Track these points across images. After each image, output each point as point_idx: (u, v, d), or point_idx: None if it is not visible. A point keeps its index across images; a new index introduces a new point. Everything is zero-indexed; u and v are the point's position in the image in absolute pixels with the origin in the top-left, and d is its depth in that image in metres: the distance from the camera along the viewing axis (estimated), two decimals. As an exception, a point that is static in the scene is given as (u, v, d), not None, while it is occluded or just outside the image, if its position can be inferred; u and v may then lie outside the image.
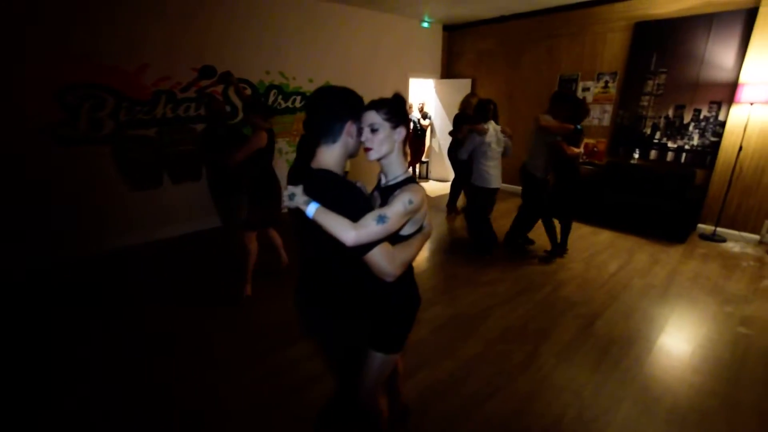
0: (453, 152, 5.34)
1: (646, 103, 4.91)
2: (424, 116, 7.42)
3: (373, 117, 1.23)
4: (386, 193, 1.28)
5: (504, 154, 3.80)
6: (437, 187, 7.08)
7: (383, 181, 1.35)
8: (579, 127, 3.58)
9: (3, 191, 3.40)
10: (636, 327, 2.75)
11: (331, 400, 1.60)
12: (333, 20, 5.36)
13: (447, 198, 5.68)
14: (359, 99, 1.28)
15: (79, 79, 3.60)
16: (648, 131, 4.95)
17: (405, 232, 1.28)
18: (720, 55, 4.27)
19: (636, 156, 5.10)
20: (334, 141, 1.23)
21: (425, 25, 6.60)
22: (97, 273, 3.57)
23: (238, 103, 4.68)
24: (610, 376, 2.26)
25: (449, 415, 2.00)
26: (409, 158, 5.87)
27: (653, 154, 4.95)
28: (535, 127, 3.70)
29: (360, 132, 1.27)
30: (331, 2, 5.24)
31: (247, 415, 1.99)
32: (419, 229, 1.31)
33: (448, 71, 7.28)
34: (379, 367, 1.42)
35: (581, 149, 3.71)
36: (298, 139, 5.38)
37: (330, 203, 1.13)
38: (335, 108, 1.22)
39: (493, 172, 3.72)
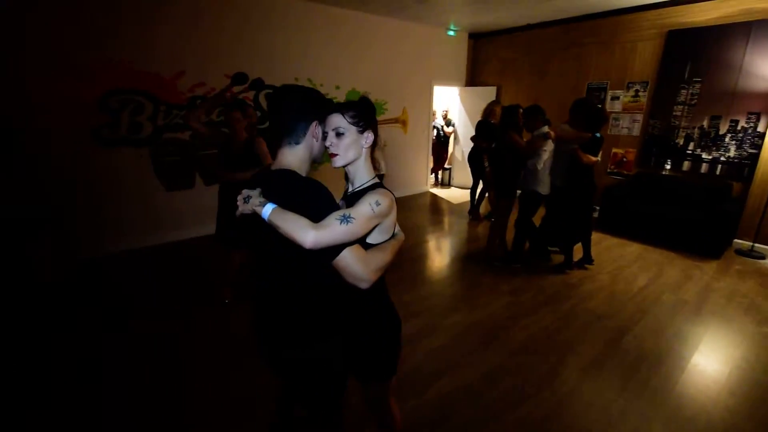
0: (474, 159, 5.31)
1: (679, 113, 4.76)
2: (448, 123, 7.42)
3: (338, 120, 1.14)
4: (352, 200, 1.17)
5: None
6: (460, 193, 7.04)
7: (350, 188, 1.26)
8: (598, 135, 3.52)
9: (47, 190, 3.59)
10: (667, 344, 2.65)
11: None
12: (361, 29, 5.46)
13: (469, 205, 5.65)
14: (325, 100, 1.19)
15: (121, 85, 3.81)
16: (681, 141, 4.78)
17: (376, 240, 1.18)
18: (759, 65, 4.11)
19: (668, 167, 4.94)
20: (297, 142, 1.14)
21: (451, 33, 6.62)
22: (132, 269, 3.72)
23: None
24: (639, 394, 2.18)
25: (469, 424, 1.97)
26: (431, 164, 5.84)
27: (686, 165, 4.78)
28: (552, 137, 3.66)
29: (325, 136, 1.17)
30: (359, 11, 5.34)
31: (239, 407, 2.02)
32: (391, 237, 1.23)
33: (472, 79, 7.27)
34: (381, 395, 1.37)
35: (599, 158, 3.61)
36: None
37: (292, 205, 1.02)
38: (299, 107, 1.13)
39: (548, 179, 3.68)
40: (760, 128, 4.16)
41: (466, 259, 4.11)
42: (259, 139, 2.83)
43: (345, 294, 1.18)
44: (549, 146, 3.51)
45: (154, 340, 2.63)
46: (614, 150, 5.43)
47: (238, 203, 1.07)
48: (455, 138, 7.40)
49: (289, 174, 1.11)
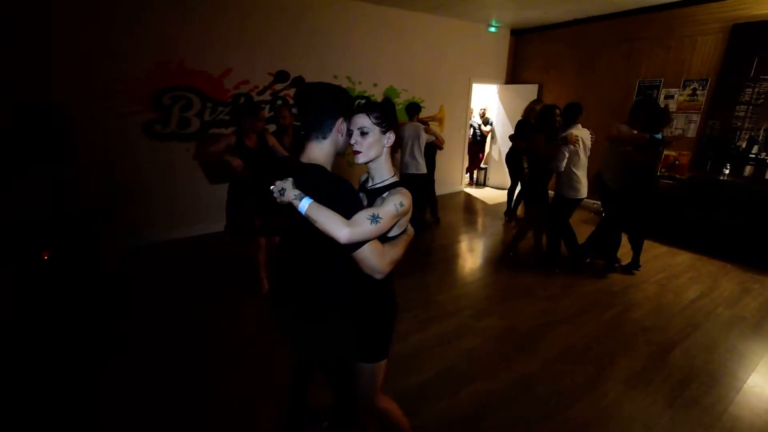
0: (511, 159, 5.17)
1: (742, 114, 4.39)
2: (485, 122, 7.26)
3: (363, 120, 1.22)
4: (374, 194, 1.28)
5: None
6: (495, 194, 6.88)
7: (370, 183, 1.34)
8: (659, 136, 3.32)
9: (99, 180, 3.86)
10: (721, 362, 2.46)
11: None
12: (400, 26, 5.44)
13: (505, 206, 5.52)
14: (351, 98, 1.28)
15: (174, 83, 4.02)
16: (743, 144, 4.42)
17: (391, 234, 1.28)
18: (841, 60, 3.71)
19: (726, 171, 4.57)
20: (324, 137, 1.22)
21: (492, 29, 6.46)
22: (175, 257, 3.93)
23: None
24: (687, 413, 2.04)
25: (501, 428, 1.93)
26: (466, 164, 5.80)
27: (748, 170, 4.40)
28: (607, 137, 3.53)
29: (350, 134, 1.25)
30: (399, 8, 5.32)
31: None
32: (403, 232, 1.32)
33: (513, 76, 7.06)
34: (369, 377, 1.41)
35: (658, 159, 3.41)
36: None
37: (323, 199, 1.11)
38: (328, 103, 1.21)
39: (583, 181, 3.55)
40: (839, 131, 3.77)
41: (501, 262, 4.01)
42: (268, 135, 2.94)
43: (358, 278, 1.27)
44: (569, 149, 3.40)
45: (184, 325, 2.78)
46: (666, 152, 5.09)
47: (274, 193, 1.15)
48: (492, 137, 7.23)
49: (319, 169, 1.20)
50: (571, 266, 3.86)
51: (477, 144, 7.30)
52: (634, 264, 3.74)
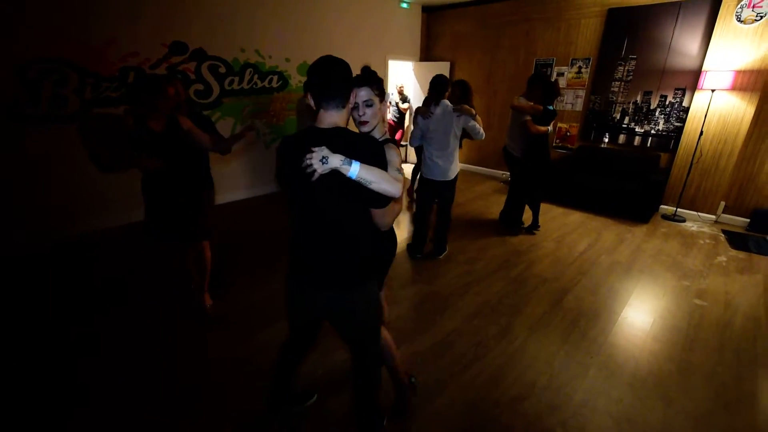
0: None
1: (616, 89, 5.07)
2: (404, 99, 7.38)
3: (368, 93, 1.38)
4: None
5: (470, 137, 3.30)
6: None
7: None
8: (551, 108, 3.72)
9: None
10: (602, 301, 2.92)
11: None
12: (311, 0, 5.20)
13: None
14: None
15: (41, 54, 3.36)
16: (617, 116, 5.13)
17: None
18: (686, 43, 4.45)
19: (606, 140, 5.29)
20: (343, 106, 1.26)
21: (404, 5, 6.50)
22: (65, 258, 3.43)
23: (213, 82, 4.52)
24: (578, 346, 2.40)
25: (430, 384, 2.08)
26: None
27: (622, 138, 5.15)
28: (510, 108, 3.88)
29: (356, 106, 1.38)
30: (308, -22, 5.07)
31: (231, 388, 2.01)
32: None
33: (427, 54, 7.24)
34: (380, 306, 1.54)
35: (550, 128, 3.82)
36: (276, 119, 5.31)
37: (361, 157, 1.15)
38: (348, 75, 1.27)
39: (439, 162, 3.19)
40: (685, 103, 4.56)
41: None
42: (182, 117, 2.33)
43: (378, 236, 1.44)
44: (419, 125, 3.18)
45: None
46: (559, 125, 5.71)
47: (312, 165, 1.10)
48: (411, 114, 7.40)
49: (347, 131, 1.24)
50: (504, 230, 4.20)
51: (397, 122, 7.42)
52: (534, 225, 4.23)
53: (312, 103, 1.27)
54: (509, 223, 4.28)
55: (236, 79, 4.73)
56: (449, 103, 3.12)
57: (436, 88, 3.08)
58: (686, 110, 4.56)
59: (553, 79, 5.58)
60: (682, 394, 2.04)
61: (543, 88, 3.73)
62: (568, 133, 5.67)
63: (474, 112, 3.12)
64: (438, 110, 3.10)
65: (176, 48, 4.16)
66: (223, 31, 4.46)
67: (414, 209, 3.66)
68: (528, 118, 3.74)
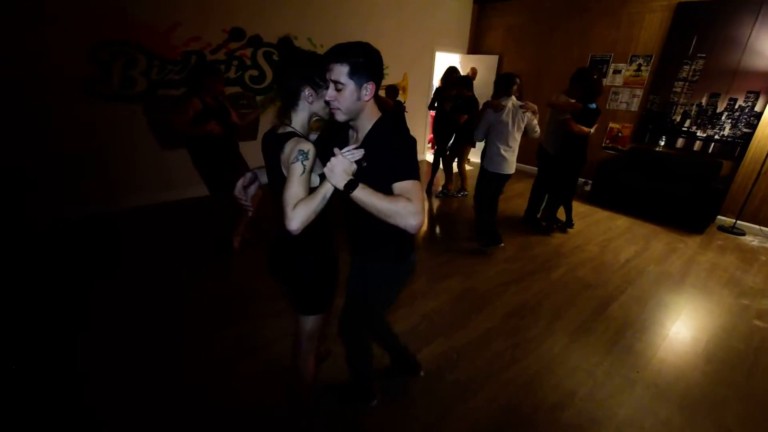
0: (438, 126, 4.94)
1: (679, 90, 4.73)
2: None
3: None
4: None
5: (525, 134, 3.30)
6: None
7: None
8: (593, 106, 3.52)
9: (34, 141, 3.39)
10: (650, 313, 2.76)
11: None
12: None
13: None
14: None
15: (112, 36, 3.51)
16: (677, 118, 4.79)
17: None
18: (765, 43, 4.06)
19: (662, 143, 4.97)
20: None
21: (455, -5, 6.32)
22: (121, 229, 3.63)
23: (267, 68, 4.60)
24: (623, 359, 2.28)
25: (463, 383, 2.04)
26: (429, 133, 5.57)
27: (680, 142, 4.81)
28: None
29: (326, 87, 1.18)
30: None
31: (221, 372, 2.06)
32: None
33: (475, 46, 7.03)
34: (309, 331, 1.57)
35: (591, 130, 3.62)
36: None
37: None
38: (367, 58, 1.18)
39: (506, 156, 3.24)
40: (758, 108, 4.18)
41: (454, 231, 4.14)
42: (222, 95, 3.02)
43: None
44: (488, 118, 3.19)
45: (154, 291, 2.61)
46: (611, 125, 5.41)
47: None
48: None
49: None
50: (529, 229, 4.08)
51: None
52: (568, 223, 4.12)
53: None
54: (534, 222, 4.19)
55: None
56: (516, 99, 3.20)
57: (505, 82, 3.15)
58: (758, 116, 4.18)
59: (609, 76, 5.29)
60: (741, 425, 1.89)
61: (582, 86, 3.52)
62: (620, 134, 5.37)
63: (536, 108, 3.23)
64: (509, 104, 3.17)
65: (235, 34, 4.24)
66: (277, 18, 4.50)
67: (474, 205, 3.61)
68: (568, 116, 3.56)
